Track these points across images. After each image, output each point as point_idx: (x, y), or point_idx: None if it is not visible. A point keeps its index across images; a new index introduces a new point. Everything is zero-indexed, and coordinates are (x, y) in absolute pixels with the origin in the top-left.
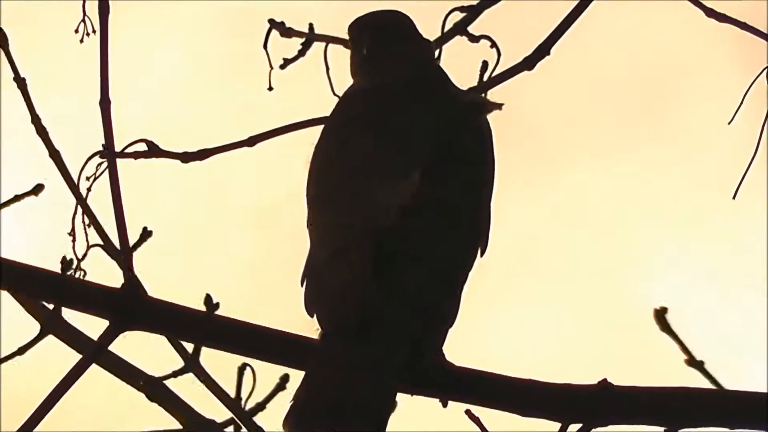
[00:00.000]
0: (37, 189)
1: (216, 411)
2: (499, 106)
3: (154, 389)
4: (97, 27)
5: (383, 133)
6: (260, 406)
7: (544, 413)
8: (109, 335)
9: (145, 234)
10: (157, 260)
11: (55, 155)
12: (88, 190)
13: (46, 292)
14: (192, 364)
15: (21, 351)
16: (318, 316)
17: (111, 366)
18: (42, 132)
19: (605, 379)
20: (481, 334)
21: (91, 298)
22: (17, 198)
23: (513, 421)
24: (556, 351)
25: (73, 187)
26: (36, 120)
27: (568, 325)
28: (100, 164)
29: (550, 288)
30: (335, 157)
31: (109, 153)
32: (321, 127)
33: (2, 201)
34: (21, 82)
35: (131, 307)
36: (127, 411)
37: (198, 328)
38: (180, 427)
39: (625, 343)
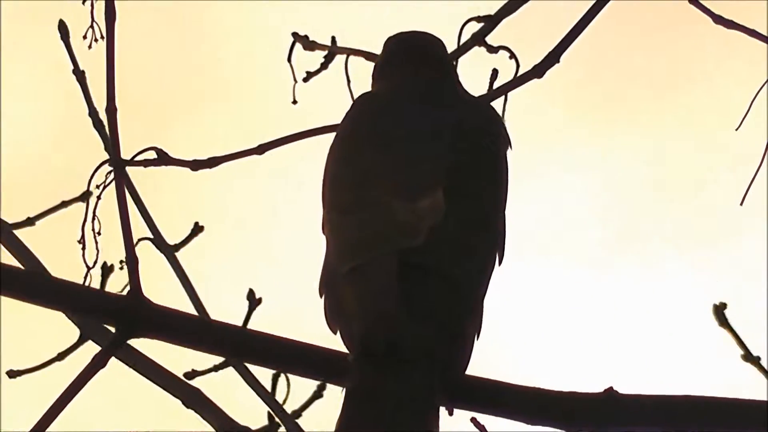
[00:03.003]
0: (85, 196)
1: (251, 419)
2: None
3: (191, 395)
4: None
5: (401, 141)
6: (296, 414)
7: (549, 421)
8: (115, 342)
9: (196, 229)
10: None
11: (113, 148)
12: (98, 198)
13: (49, 298)
14: (232, 360)
15: (60, 357)
16: (342, 334)
17: (146, 371)
18: (99, 126)
19: (611, 387)
20: (485, 341)
21: (95, 305)
22: (64, 204)
23: (518, 428)
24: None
25: (131, 189)
26: (93, 113)
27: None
28: (110, 172)
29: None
30: (349, 162)
31: (118, 161)
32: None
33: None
34: (80, 75)
35: (135, 314)
36: (163, 417)
37: (203, 336)
38: None
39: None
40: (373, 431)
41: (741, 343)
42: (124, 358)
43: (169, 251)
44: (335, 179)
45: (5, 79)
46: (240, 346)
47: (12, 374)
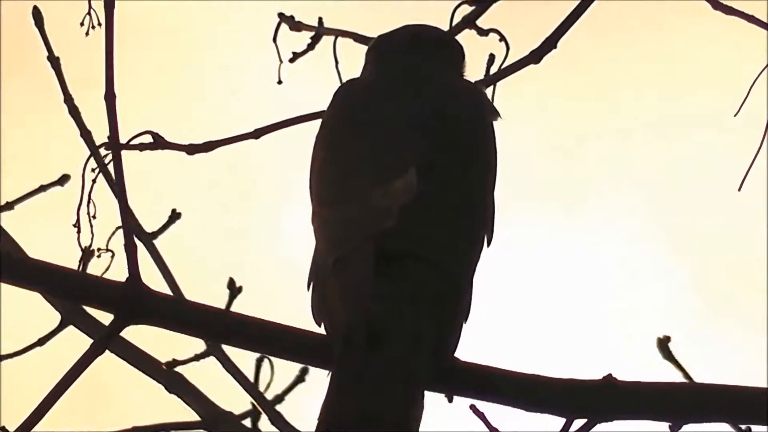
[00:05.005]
0: (63, 180)
1: (234, 404)
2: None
3: (173, 381)
4: (102, 20)
5: (379, 128)
6: (279, 398)
7: (548, 408)
8: (113, 329)
9: (174, 216)
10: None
11: (86, 135)
12: (93, 181)
13: (49, 285)
14: (214, 349)
15: (41, 342)
16: (326, 326)
17: (129, 357)
18: (74, 112)
19: (610, 374)
20: (483, 327)
21: (95, 292)
22: (43, 188)
23: (517, 416)
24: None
25: (103, 168)
26: (69, 99)
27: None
28: (105, 156)
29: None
30: (334, 154)
31: (114, 145)
32: None
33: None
34: (54, 62)
35: (134, 301)
36: (146, 402)
37: (201, 322)
38: (198, 418)
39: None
40: (355, 416)
41: (686, 376)
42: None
43: (147, 239)
44: (321, 171)
45: None
46: (245, 333)
47: None
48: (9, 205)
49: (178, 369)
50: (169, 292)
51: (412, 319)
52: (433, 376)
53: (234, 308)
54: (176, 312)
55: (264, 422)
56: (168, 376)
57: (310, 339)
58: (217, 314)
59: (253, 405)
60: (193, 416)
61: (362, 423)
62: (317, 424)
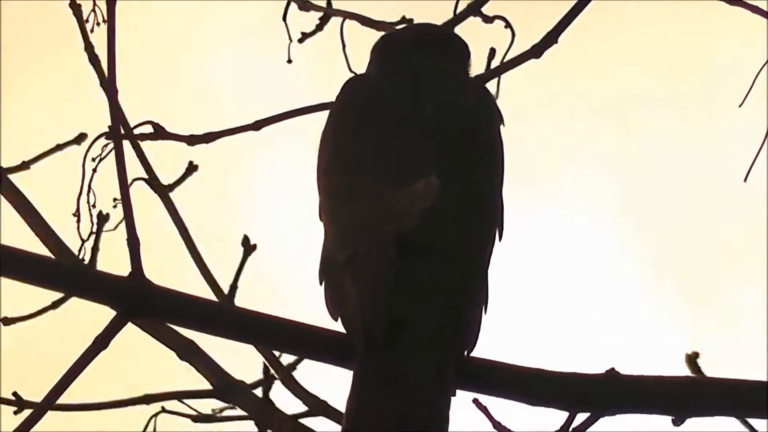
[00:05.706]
0: (80, 138)
1: (245, 373)
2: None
3: (186, 348)
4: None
5: (387, 124)
6: (292, 366)
7: (551, 402)
8: (116, 324)
9: (191, 168)
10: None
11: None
12: (94, 171)
13: (50, 280)
14: None
15: (54, 305)
16: (344, 322)
17: (143, 324)
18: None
19: (613, 368)
20: (486, 322)
21: (97, 287)
22: (59, 147)
23: (520, 410)
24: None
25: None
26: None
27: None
28: (105, 146)
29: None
30: (342, 149)
31: (115, 135)
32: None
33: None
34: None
35: (138, 296)
36: (158, 369)
37: (205, 317)
38: (209, 387)
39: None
40: (383, 415)
41: None
42: None
43: (163, 192)
44: (329, 166)
45: None
46: (240, 327)
47: (6, 322)
48: (25, 165)
49: (190, 336)
50: (184, 247)
51: (433, 315)
52: (460, 373)
53: (238, 299)
54: (179, 307)
55: (275, 391)
56: (180, 342)
57: (315, 335)
58: (219, 309)
59: (266, 371)
60: (204, 384)
61: (391, 423)
62: (343, 423)
